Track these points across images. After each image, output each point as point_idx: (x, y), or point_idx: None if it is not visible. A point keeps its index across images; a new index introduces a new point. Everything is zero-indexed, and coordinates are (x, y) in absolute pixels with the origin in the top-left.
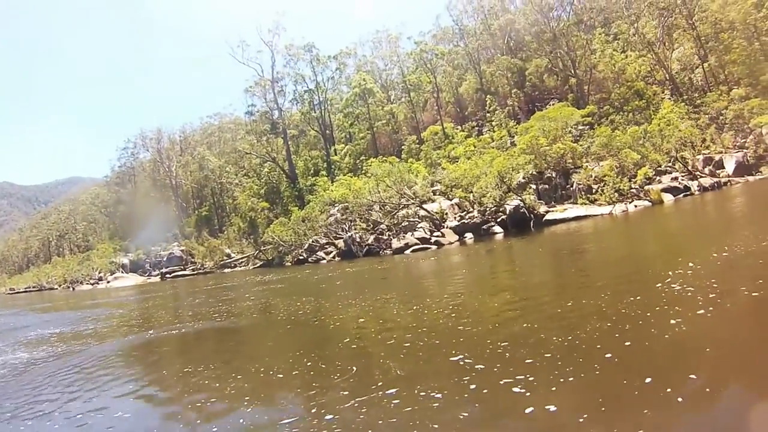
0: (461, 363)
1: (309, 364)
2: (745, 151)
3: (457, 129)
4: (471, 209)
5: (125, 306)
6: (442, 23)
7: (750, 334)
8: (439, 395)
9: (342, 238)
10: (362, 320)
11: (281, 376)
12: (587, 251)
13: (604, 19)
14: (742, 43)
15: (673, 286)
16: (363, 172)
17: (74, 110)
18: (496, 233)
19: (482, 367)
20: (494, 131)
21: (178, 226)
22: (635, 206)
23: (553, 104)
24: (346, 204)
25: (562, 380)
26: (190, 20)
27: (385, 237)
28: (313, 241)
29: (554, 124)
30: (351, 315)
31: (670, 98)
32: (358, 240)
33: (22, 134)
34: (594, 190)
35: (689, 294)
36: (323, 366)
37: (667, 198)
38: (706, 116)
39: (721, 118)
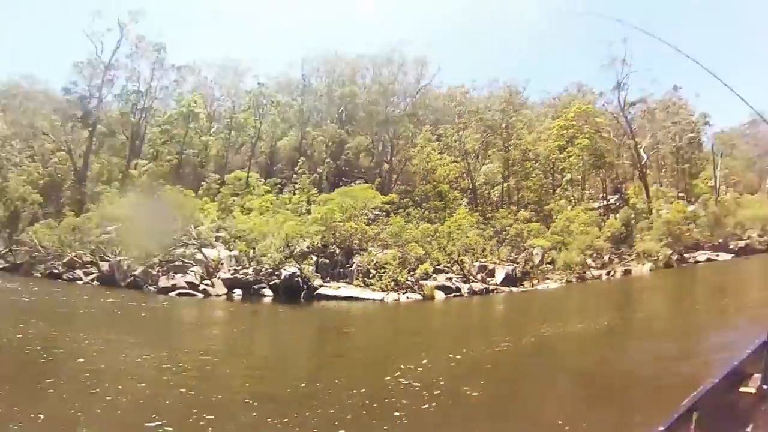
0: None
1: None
2: (515, 265)
3: (261, 181)
4: (247, 265)
5: None
6: (291, 73)
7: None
8: None
9: (109, 261)
10: (81, 360)
11: None
12: (349, 333)
13: (435, 120)
14: (539, 174)
15: (408, 380)
16: (157, 197)
17: None
18: (266, 296)
19: None
20: (295, 194)
21: None
22: (408, 297)
23: (359, 183)
24: (123, 225)
25: None
26: None
27: (154, 272)
28: (76, 256)
29: (354, 203)
30: (101, 355)
31: (467, 206)
32: (125, 267)
33: None
34: (372, 275)
35: (417, 389)
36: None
37: (439, 295)
38: (492, 229)
39: (504, 233)
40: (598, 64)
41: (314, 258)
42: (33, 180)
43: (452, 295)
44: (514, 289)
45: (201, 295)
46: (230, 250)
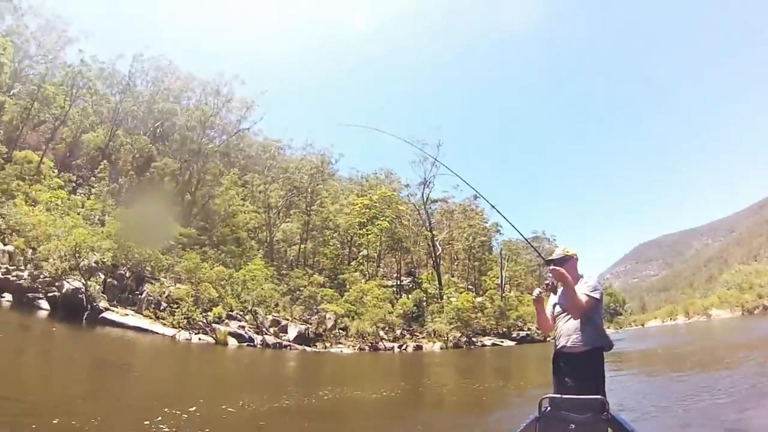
0: None
1: None
2: (308, 325)
3: (54, 171)
4: (23, 267)
5: None
6: (119, 65)
7: None
8: None
9: None
10: None
11: None
12: (130, 368)
13: (245, 165)
14: (336, 243)
15: (172, 428)
16: None
17: None
18: (42, 308)
19: None
20: (90, 198)
21: None
22: (200, 339)
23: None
24: None
25: None
26: None
27: None
28: None
29: (147, 227)
30: None
31: (263, 258)
32: None
33: None
34: (163, 308)
35: None
36: None
37: (232, 342)
38: (287, 286)
39: (298, 292)
40: (410, 159)
41: (102, 277)
42: None
43: (245, 344)
44: (308, 349)
45: None
46: (4, 244)
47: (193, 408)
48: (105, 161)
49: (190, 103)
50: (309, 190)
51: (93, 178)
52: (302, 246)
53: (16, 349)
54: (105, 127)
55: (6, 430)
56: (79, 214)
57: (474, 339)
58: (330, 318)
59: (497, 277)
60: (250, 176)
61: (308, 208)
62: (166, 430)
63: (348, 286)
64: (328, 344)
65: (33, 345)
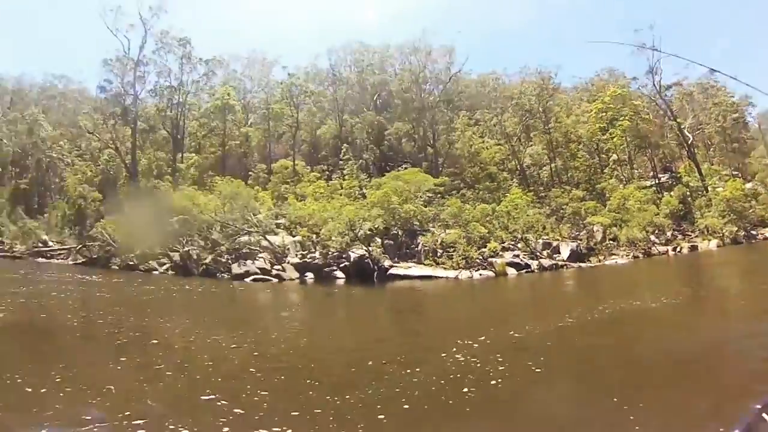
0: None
1: (136, 385)
2: (578, 241)
3: (307, 168)
4: (313, 250)
5: None
6: (319, 64)
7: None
8: None
9: (178, 251)
10: (194, 348)
11: (106, 396)
12: (423, 311)
13: (470, 105)
14: (585, 155)
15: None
16: (209, 188)
17: None
18: (338, 278)
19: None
20: (344, 179)
21: None
22: (480, 275)
23: (406, 167)
24: (186, 217)
25: None
26: None
27: (223, 260)
28: (147, 248)
29: (407, 186)
30: (184, 338)
31: (518, 186)
32: (195, 257)
33: None
34: (439, 254)
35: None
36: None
37: (511, 271)
38: (549, 208)
39: (561, 211)
40: (627, 51)
41: (378, 240)
42: (88, 178)
43: (523, 271)
44: (582, 265)
45: (275, 280)
46: (293, 236)
47: (483, 337)
48: (344, 145)
49: (395, 68)
50: (540, 109)
51: (340, 162)
52: (552, 165)
53: (327, 311)
54: (332, 117)
55: (322, 373)
56: (340, 195)
57: (753, 232)
58: (598, 230)
59: (763, 157)
60: (479, 113)
61: (546, 127)
62: (462, 358)
63: (607, 195)
64: (601, 257)
65: (339, 306)
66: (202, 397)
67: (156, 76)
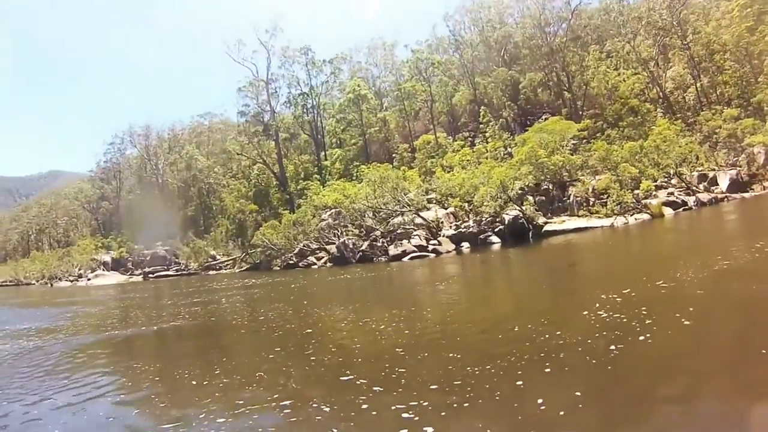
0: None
1: (284, 371)
2: (738, 168)
3: (449, 139)
4: (466, 219)
5: (105, 303)
6: (438, 33)
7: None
8: None
9: (334, 243)
10: (344, 333)
11: (257, 382)
12: (576, 267)
13: (598, 37)
14: (733, 65)
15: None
16: (355, 177)
17: (60, 103)
18: (493, 243)
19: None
20: (488, 142)
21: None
22: (635, 219)
23: (545, 118)
24: (338, 209)
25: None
26: (184, 16)
27: (379, 244)
28: (304, 246)
29: (551, 137)
30: (336, 323)
31: (663, 116)
32: (351, 246)
33: (4, 125)
34: (592, 203)
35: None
36: (293, 372)
37: (667, 212)
38: (700, 134)
39: (714, 136)
40: None
41: (530, 198)
42: (243, 194)
43: (680, 209)
44: (746, 195)
45: (432, 255)
46: (445, 208)
47: (628, 290)
48: (482, 107)
49: (514, 18)
50: (674, 23)
51: (480, 126)
52: (697, 85)
53: (479, 279)
54: (463, 83)
55: (464, 345)
56: (486, 158)
57: None
58: (759, 152)
59: None
60: (609, 44)
61: (684, 43)
62: (604, 314)
63: (765, 108)
64: (766, 183)
65: (492, 272)
66: (342, 378)
67: (287, 88)
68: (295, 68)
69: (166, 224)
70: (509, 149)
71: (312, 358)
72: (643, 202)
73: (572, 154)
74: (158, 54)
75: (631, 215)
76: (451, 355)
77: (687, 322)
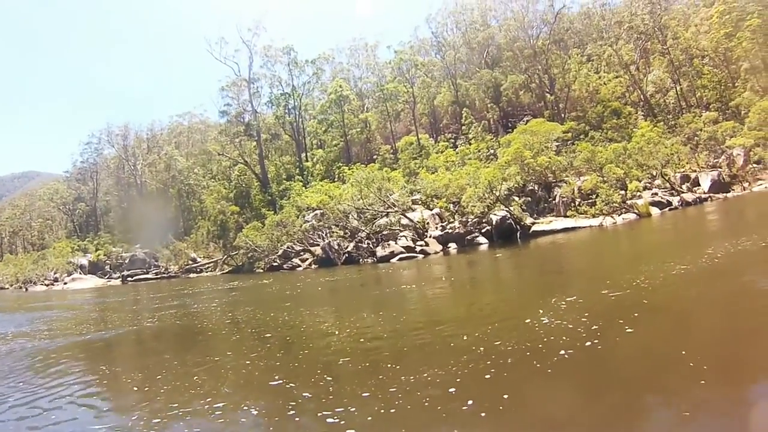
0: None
1: (265, 373)
2: (719, 170)
3: (431, 140)
4: (452, 220)
5: (81, 308)
6: (420, 35)
7: None
8: None
9: (318, 245)
10: (330, 332)
11: (239, 385)
12: (563, 267)
13: (579, 41)
14: (712, 69)
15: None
16: (338, 178)
17: (34, 101)
18: (481, 244)
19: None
20: (470, 144)
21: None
22: (623, 219)
23: (527, 120)
24: (322, 210)
25: None
26: (164, 12)
27: (365, 245)
28: (288, 247)
29: (536, 138)
30: (320, 325)
31: (644, 118)
32: (336, 247)
33: None
34: (578, 203)
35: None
36: (274, 375)
37: (655, 211)
38: (682, 136)
39: (695, 138)
40: None
41: (517, 198)
42: (224, 195)
43: (666, 209)
44: (728, 195)
45: (420, 256)
46: (430, 209)
47: (622, 290)
48: (464, 109)
49: (497, 21)
50: (656, 28)
51: (462, 127)
52: (677, 88)
53: (472, 279)
54: (445, 84)
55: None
56: (470, 159)
57: None
58: (739, 154)
59: None
60: (590, 48)
61: (664, 47)
62: (555, 319)
63: (743, 112)
64: (746, 184)
65: (478, 273)
66: (275, 382)
67: (269, 88)
68: (277, 68)
69: (145, 226)
70: (492, 150)
71: (283, 361)
72: (630, 202)
73: (556, 156)
74: (137, 51)
75: (619, 215)
76: (424, 358)
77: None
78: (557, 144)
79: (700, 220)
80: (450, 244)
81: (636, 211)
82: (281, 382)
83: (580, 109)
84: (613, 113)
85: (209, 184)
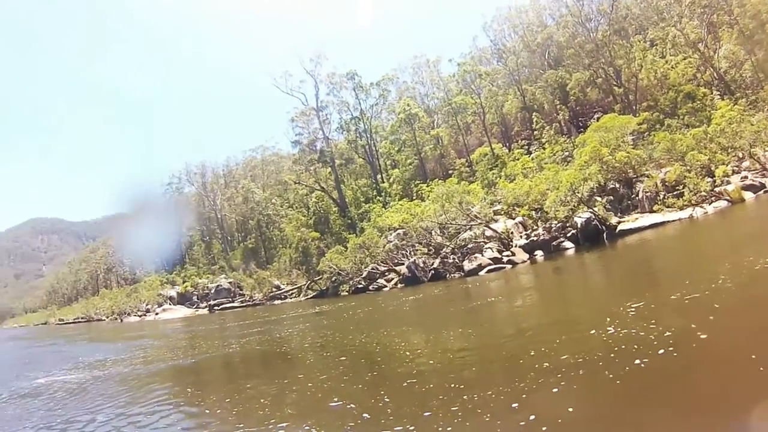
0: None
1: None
2: None
3: (504, 149)
4: (536, 227)
5: (171, 336)
6: (479, 44)
7: None
8: None
9: (403, 264)
10: (402, 353)
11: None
12: (654, 268)
13: (639, 27)
14: None
15: None
16: (416, 196)
17: (120, 147)
18: (567, 249)
19: None
20: (544, 148)
21: (225, 259)
22: (714, 207)
23: (597, 117)
24: (404, 229)
25: None
26: (228, 55)
27: (450, 260)
28: (372, 269)
29: (610, 134)
30: (394, 346)
31: (720, 97)
32: (421, 265)
33: (71, 172)
34: (663, 197)
35: None
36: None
37: (748, 196)
38: (765, 111)
39: None
40: None
41: (599, 199)
42: (303, 222)
43: (760, 192)
44: None
45: (508, 266)
46: (512, 219)
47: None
48: (534, 113)
49: (554, 19)
50: None
51: (534, 132)
52: (752, 59)
53: (557, 284)
54: (512, 90)
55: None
56: (547, 164)
57: None
58: None
59: None
60: (651, 32)
61: (731, 18)
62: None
63: None
64: None
65: (570, 277)
66: (335, 403)
67: (337, 114)
68: (344, 93)
69: (226, 258)
70: (567, 152)
71: (363, 380)
72: (719, 189)
73: (634, 150)
74: (212, 92)
75: (710, 204)
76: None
77: None
78: (633, 137)
79: None
80: (536, 252)
81: (728, 197)
82: (341, 403)
83: (651, 98)
84: (687, 97)
85: (287, 213)
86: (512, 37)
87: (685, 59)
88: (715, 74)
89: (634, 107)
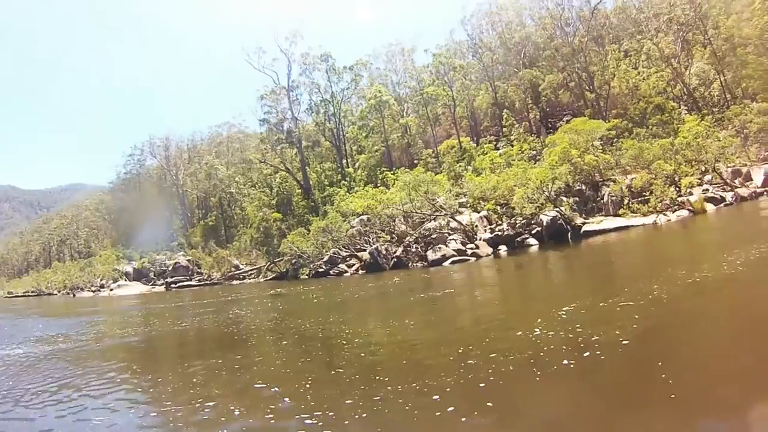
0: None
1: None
2: None
3: (472, 143)
4: (500, 222)
5: (126, 313)
6: (456, 37)
7: None
8: None
9: (365, 250)
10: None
11: (279, 387)
12: (616, 266)
13: (615, 36)
14: (756, 58)
15: None
16: (381, 184)
17: (78, 115)
18: (531, 245)
19: None
20: (512, 146)
21: (184, 236)
22: (677, 216)
23: (567, 120)
24: (368, 216)
25: None
26: (201, 25)
27: (413, 249)
28: (334, 253)
29: (580, 137)
30: (363, 330)
31: (688, 112)
32: (384, 252)
33: (25, 139)
34: (627, 202)
35: None
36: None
37: (709, 207)
38: (730, 129)
39: (745, 130)
40: None
41: (565, 199)
42: (266, 202)
43: (721, 205)
44: None
45: (472, 259)
46: (477, 212)
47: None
48: (505, 111)
49: (534, 20)
50: (696, 18)
51: (503, 129)
52: (721, 79)
53: (519, 279)
54: (484, 86)
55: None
56: (515, 161)
57: None
58: None
59: None
60: (626, 43)
61: (705, 38)
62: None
63: None
64: None
65: (532, 272)
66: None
67: (308, 95)
68: (316, 75)
69: (186, 234)
70: (535, 151)
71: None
72: (682, 199)
73: (602, 154)
74: (175, 63)
75: (673, 212)
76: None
77: None
78: (602, 143)
79: (757, 216)
80: (500, 247)
81: (690, 207)
82: (265, 386)
83: (621, 107)
84: (657, 109)
85: (250, 192)
86: (490, 33)
87: (657, 72)
88: (685, 90)
89: (604, 113)
